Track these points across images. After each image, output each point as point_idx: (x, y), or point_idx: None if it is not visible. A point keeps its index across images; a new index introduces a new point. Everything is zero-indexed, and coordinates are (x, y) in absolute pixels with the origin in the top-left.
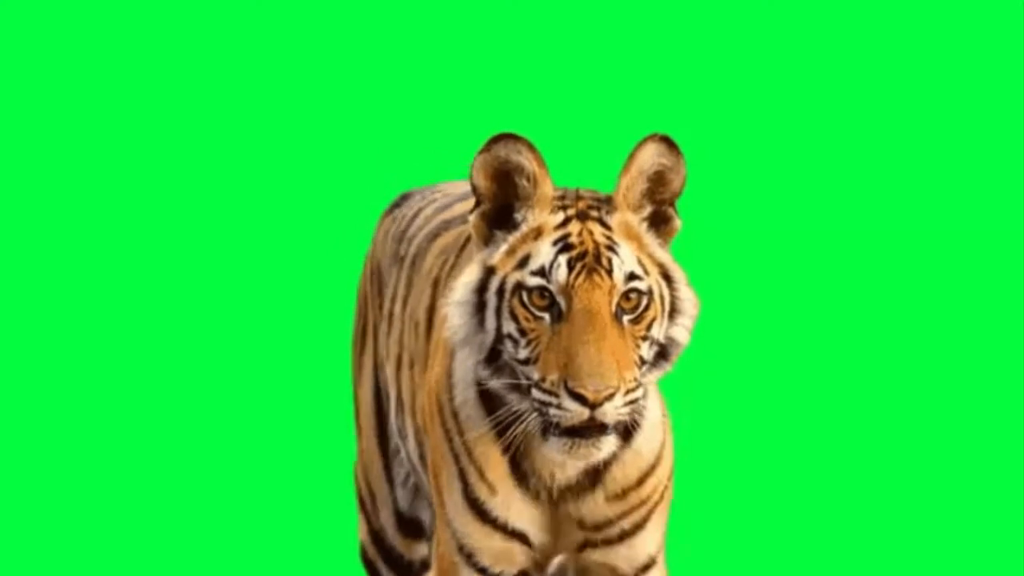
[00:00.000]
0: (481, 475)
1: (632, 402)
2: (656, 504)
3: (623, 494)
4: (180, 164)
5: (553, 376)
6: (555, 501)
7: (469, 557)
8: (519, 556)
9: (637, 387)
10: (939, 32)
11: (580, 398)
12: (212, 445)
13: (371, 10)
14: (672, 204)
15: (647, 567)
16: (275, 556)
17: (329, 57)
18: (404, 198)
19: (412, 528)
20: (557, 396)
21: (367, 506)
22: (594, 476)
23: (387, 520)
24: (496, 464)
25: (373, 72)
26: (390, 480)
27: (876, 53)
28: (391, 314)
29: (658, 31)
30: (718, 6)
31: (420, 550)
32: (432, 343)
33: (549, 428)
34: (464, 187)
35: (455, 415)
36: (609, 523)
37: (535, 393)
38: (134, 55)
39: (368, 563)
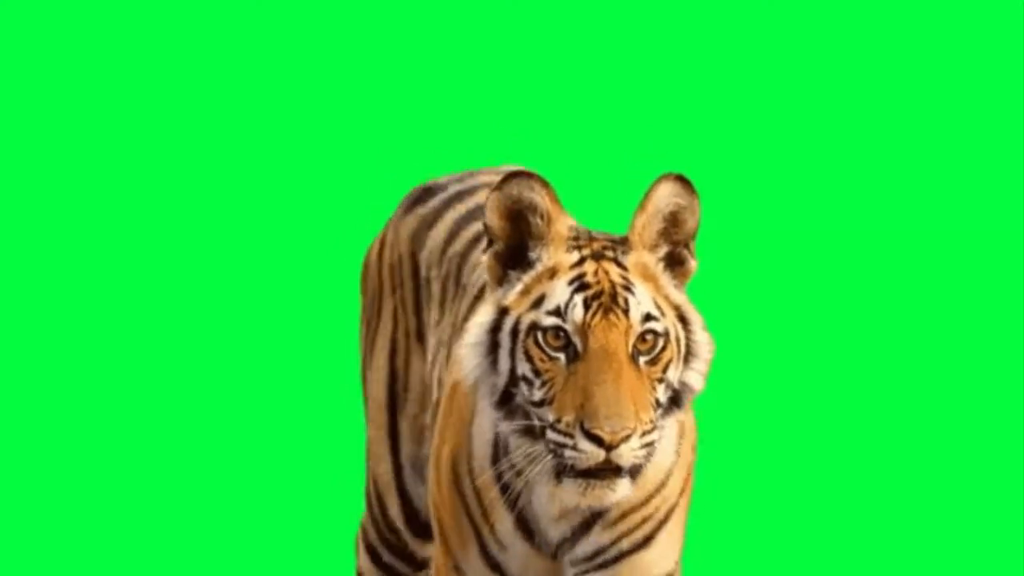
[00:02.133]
0: (492, 532)
1: (648, 444)
2: (661, 522)
3: (622, 517)
4: (182, 164)
5: (569, 417)
6: (554, 554)
7: None
8: None
9: (653, 429)
10: (945, 39)
11: (596, 439)
12: (211, 440)
13: (382, 21)
14: (687, 245)
15: None
16: (275, 552)
17: (339, 72)
18: (428, 192)
19: (424, 531)
20: (573, 437)
21: (371, 500)
22: (592, 519)
23: (396, 515)
24: (504, 521)
25: (382, 85)
26: (399, 478)
27: (878, 73)
28: (451, 341)
29: (669, 59)
30: (732, 36)
31: (429, 550)
32: (443, 408)
33: (564, 470)
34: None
35: (474, 486)
36: (601, 550)
37: (550, 434)
38: (136, 52)
39: (368, 546)
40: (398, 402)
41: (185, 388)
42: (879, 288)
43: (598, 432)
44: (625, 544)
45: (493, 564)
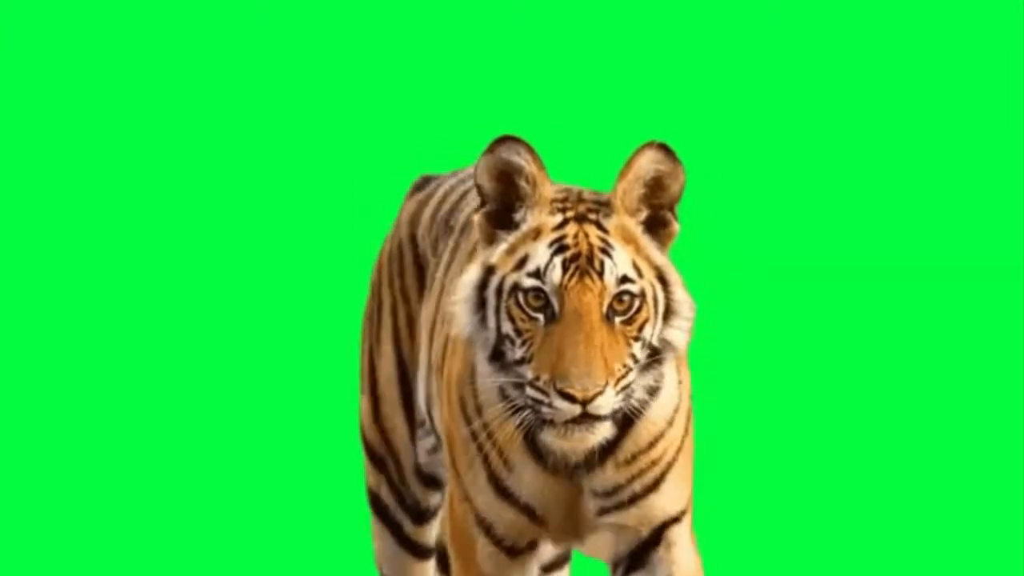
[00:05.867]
0: (500, 454)
1: (624, 388)
2: (669, 464)
3: (632, 459)
4: (185, 166)
5: (545, 376)
6: (571, 476)
7: (488, 529)
8: (529, 528)
9: (627, 374)
10: (940, 33)
11: (570, 397)
12: (209, 437)
13: (377, 10)
14: (671, 209)
15: (665, 526)
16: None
17: (334, 58)
18: (427, 180)
19: (430, 481)
20: (548, 395)
21: (387, 463)
22: (606, 449)
23: (409, 476)
24: (514, 444)
25: (381, 75)
26: (414, 443)
27: (875, 55)
28: (433, 278)
29: (662, 34)
30: (720, 8)
31: (435, 498)
32: (448, 341)
33: (544, 423)
34: None
35: (479, 409)
36: (619, 488)
37: (529, 391)
38: (138, 50)
39: (380, 508)
40: (409, 377)
41: (184, 386)
42: (875, 280)
43: (570, 391)
44: (637, 486)
45: (500, 489)
